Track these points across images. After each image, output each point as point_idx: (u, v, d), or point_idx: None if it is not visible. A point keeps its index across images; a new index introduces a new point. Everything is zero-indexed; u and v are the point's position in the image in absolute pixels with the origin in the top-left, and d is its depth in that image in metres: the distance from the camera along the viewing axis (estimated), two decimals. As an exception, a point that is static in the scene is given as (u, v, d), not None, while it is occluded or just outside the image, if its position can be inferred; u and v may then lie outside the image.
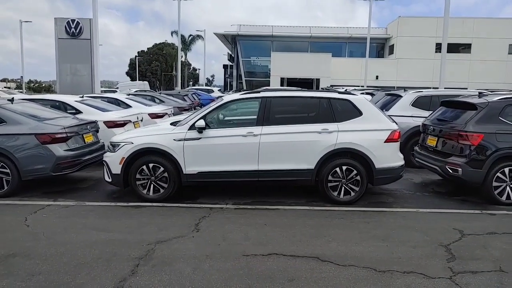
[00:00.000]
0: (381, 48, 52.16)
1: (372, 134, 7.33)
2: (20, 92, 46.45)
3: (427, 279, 4.53)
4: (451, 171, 7.52)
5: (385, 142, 7.33)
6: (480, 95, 8.37)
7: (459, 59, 42.73)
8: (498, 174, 7.32)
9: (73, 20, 21.17)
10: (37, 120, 7.93)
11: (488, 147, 7.26)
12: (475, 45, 44.69)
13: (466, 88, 29.18)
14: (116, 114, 11.08)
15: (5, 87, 55.43)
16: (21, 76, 57.77)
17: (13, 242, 5.46)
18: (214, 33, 53.33)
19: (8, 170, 7.51)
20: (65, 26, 21.06)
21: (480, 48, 44.28)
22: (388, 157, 7.39)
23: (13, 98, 8.81)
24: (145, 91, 27.49)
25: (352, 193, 7.33)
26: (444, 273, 4.69)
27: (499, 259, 5.09)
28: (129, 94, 17.55)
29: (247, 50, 53.19)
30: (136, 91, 26.75)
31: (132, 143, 7.30)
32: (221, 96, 8.87)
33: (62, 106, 10.75)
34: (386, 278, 4.56)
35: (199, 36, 71.64)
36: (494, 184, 7.35)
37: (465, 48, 45.15)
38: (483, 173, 7.29)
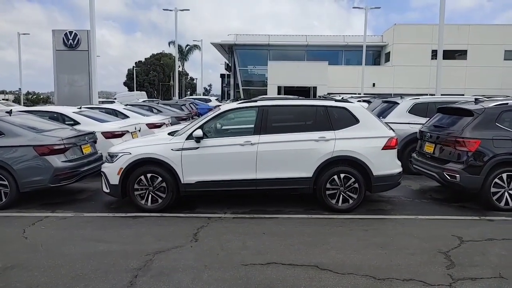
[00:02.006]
0: (377, 55, 52.37)
1: (369, 141, 7.34)
2: (17, 103, 46.43)
3: (427, 287, 4.53)
4: (449, 178, 7.53)
5: (382, 149, 7.34)
6: (477, 101, 8.40)
7: (455, 65, 42.89)
8: (496, 180, 7.33)
9: (70, 32, 21.19)
10: (35, 132, 7.92)
11: (485, 153, 7.27)
12: (471, 51, 44.90)
13: (463, 95, 29.26)
14: (113, 125, 11.09)
15: (3, 99, 55.31)
16: (19, 88, 57.85)
17: (12, 254, 5.44)
18: (211, 43, 53.56)
19: (6, 182, 7.50)
20: (63, 38, 21.09)
21: (476, 55, 44.48)
22: (386, 164, 7.40)
23: (11, 110, 8.82)
24: (152, 101, 27.19)
25: (350, 201, 7.32)
26: (444, 280, 4.68)
27: (498, 265, 5.08)
28: (128, 105, 17.55)
29: (244, 59, 53.34)
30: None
31: (130, 154, 7.31)
32: (218, 105, 8.89)
33: (60, 118, 10.76)
34: (385, 286, 4.55)
35: (196, 46, 71.94)
36: (492, 190, 7.36)
37: (461, 54, 45.35)
38: (481, 179, 7.30)
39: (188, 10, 43.44)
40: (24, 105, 42.20)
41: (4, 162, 7.44)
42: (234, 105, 7.87)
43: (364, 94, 33.12)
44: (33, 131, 7.95)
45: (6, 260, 5.23)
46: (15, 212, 7.41)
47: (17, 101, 57.83)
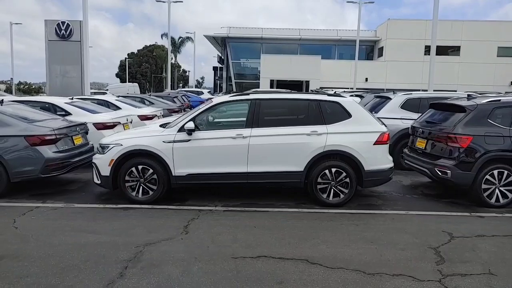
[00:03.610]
0: (370, 50, 52.43)
1: (361, 136, 7.35)
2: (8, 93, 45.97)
3: (416, 282, 4.55)
4: (440, 174, 7.56)
5: (374, 144, 7.35)
6: (469, 97, 8.42)
7: (448, 61, 43.09)
8: (487, 176, 7.36)
9: (63, 22, 20.96)
10: (27, 122, 7.88)
11: (477, 150, 7.31)
12: (464, 47, 45.07)
13: (455, 91, 29.39)
14: (105, 116, 11.03)
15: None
16: (11, 78, 57.25)
17: (1, 244, 5.41)
18: (204, 35, 53.36)
19: (-4, 172, 7.45)
20: (55, 28, 20.85)
21: (469, 51, 44.67)
22: (377, 159, 7.42)
23: (2, 100, 8.74)
24: (168, 94, 26.63)
25: (341, 195, 7.34)
26: (433, 275, 4.71)
27: (488, 261, 5.12)
28: (120, 96, 17.44)
29: (237, 52, 53.19)
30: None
31: (122, 145, 7.27)
32: (211, 98, 8.85)
33: (51, 108, 10.71)
34: (375, 281, 4.57)
35: (189, 38, 71.66)
36: (483, 186, 7.39)
37: (454, 50, 45.53)
38: (472, 175, 7.33)
39: (182, 1, 43.18)
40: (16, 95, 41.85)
41: (-6, 152, 7.39)
42: (227, 98, 7.85)
43: (357, 88, 33.20)
44: (24, 121, 7.90)
45: (-5, 250, 5.20)
46: (5, 202, 7.35)
47: (8, 91, 57.31)
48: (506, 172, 7.37)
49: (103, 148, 7.43)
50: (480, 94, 11.15)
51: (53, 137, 7.79)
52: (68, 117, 9.95)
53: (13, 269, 4.70)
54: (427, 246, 5.57)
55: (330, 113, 7.48)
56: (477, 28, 44.83)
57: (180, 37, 74.53)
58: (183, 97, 25.80)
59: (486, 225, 6.59)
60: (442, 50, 39.46)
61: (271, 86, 42.30)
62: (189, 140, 7.25)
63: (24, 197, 7.69)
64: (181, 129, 7.29)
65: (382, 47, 47.90)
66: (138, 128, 8.96)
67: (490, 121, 7.49)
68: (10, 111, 8.14)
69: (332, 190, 7.32)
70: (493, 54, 44.97)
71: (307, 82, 42.70)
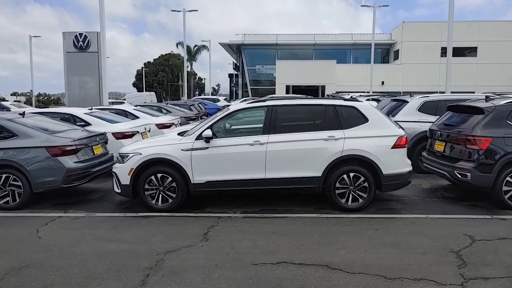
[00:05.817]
0: (386, 53, 52.07)
1: (378, 140, 7.33)
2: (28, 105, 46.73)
3: (438, 286, 4.52)
4: (459, 176, 7.50)
5: (392, 148, 7.32)
6: (487, 99, 8.34)
7: (465, 62, 42.53)
8: (508, 178, 7.27)
9: (81, 34, 21.37)
10: (48, 133, 8.02)
11: (496, 151, 7.23)
12: (481, 48, 44.47)
13: (473, 92, 29.05)
14: (124, 126, 11.17)
15: (15, 101, 55.74)
16: (31, 90, 58.13)
17: (26, 253, 5.52)
18: (219, 43, 53.61)
19: (19, 183, 7.59)
20: (73, 40, 21.27)
21: (486, 51, 44.04)
22: (396, 163, 7.38)
23: (24, 112, 8.92)
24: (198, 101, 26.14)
25: (360, 200, 7.32)
26: (455, 279, 4.67)
27: (511, 264, 5.05)
28: (138, 106, 17.62)
29: (252, 59, 53.30)
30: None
31: (141, 154, 7.36)
32: (228, 105, 8.91)
33: (71, 119, 10.88)
34: (396, 285, 4.55)
35: (204, 46, 72.19)
36: (504, 188, 7.30)
37: (471, 51, 44.97)
38: (492, 177, 7.25)
39: (196, 10, 43.62)
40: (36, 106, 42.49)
41: (17, 163, 7.53)
42: (243, 105, 7.89)
43: (373, 92, 33.04)
44: (45, 132, 8.04)
45: (21, 259, 5.31)
46: (28, 212, 7.49)
47: (28, 102, 58.24)
48: (527, 173, 7.27)
49: (123, 158, 7.52)
50: (498, 95, 11.01)
51: (74, 147, 7.91)
52: (87, 128, 10.09)
53: (38, 278, 4.79)
54: (448, 250, 5.52)
55: (346, 117, 7.47)
56: (494, 28, 44.22)
57: (195, 45, 75.23)
58: (199, 104, 25.94)
59: (508, 227, 6.51)
60: (459, 52, 39.04)
61: (287, 92, 42.29)
62: (207, 147, 7.31)
63: (46, 207, 7.83)
64: (199, 137, 7.35)
65: (398, 50, 47.57)
66: (156, 137, 9.06)
67: (509, 122, 7.41)
68: (31, 123, 8.29)
69: (351, 194, 7.30)
70: (510, 54, 44.29)
71: (323, 87, 42.60)
